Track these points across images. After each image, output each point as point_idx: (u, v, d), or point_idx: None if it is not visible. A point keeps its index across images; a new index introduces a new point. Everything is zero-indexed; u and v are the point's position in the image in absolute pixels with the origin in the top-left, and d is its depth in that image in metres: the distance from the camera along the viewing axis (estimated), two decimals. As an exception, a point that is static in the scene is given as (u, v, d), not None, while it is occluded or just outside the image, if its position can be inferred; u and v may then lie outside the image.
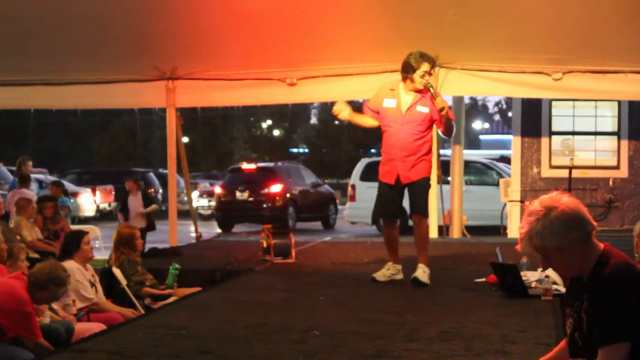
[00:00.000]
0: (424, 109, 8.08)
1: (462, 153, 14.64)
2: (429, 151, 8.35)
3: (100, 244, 15.15)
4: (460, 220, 13.91)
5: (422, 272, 8.05)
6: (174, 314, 6.90)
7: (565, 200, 3.49)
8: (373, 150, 44.27)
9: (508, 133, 41.55)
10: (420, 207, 8.31)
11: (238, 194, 24.33)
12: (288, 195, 24.22)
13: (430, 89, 8.04)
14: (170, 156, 13.62)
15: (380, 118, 8.28)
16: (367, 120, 8.50)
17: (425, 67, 8.03)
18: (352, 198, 22.18)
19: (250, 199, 24.28)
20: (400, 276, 8.29)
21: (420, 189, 8.26)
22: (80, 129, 45.81)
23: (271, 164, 27.74)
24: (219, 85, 13.00)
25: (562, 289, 7.29)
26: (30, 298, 6.32)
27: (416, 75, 8.03)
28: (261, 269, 9.47)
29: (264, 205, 24.01)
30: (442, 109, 7.94)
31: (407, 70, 8.10)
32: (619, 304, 3.32)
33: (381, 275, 8.25)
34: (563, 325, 3.71)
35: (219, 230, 23.47)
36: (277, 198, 24.07)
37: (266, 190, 24.24)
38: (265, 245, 10.09)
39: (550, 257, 3.50)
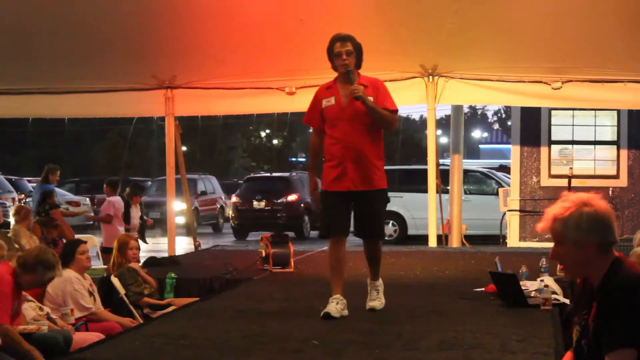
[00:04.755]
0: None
1: (461, 162, 14.64)
2: (381, 156, 7.04)
3: (99, 252, 15.10)
4: (459, 229, 13.91)
5: (377, 299, 7.19)
6: (172, 323, 6.87)
7: (602, 203, 3.53)
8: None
9: (507, 142, 41.62)
10: (374, 232, 7.12)
11: (255, 203, 25.16)
12: (302, 204, 24.69)
13: (350, 74, 6.86)
14: (169, 165, 13.62)
15: (324, 121, 7.04)
16: (316, 151, 7.33)
17: (337, 46, 6.89)
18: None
19: (267, 208, 25.13)
20: (346, 312, 6.86)
21: (371, 207, 6.98)
22: (78, 137, 45.87)
23: (286, 174, 28.38)
24: (218, 94, 13.02)
25: (562, 299, 7.29)
26: (12, 280, 6.42)
27: (335, 59, 6.93)
28: (260, 279, 9.44)
29: (280, 214, 24.89)
30: (357, 98, 6.74)
31: (330, 58, 7.00)
32: (628, 310, 3.34)
33: (334, 310, 6.77)
34: (564, 335, 3.71)
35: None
36: (293, 207, 24.81)
37: (282, 200, 25.11)
38: (264, 254, 10.07)
39: (563, 246, 3.52)
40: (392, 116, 6.98)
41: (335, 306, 6.82)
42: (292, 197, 25.18)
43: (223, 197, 32.03)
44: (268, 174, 29.98)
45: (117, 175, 34.64)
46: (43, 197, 13.94)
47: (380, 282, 7.26)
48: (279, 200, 25.18)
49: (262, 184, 26.75)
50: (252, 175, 31.16)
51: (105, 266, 11.76)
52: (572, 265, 3.58)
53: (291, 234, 22.09)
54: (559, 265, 8.55)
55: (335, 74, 7.02)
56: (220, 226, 30.19)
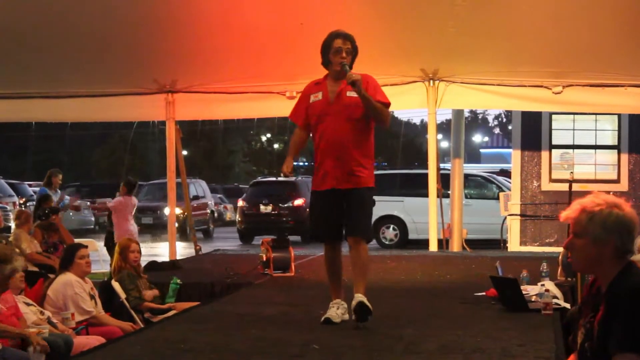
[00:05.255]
0: (355, 94, 6.69)
1: (462, 166, 14.65)
2: (369, 154, 6.84)
3: (100, 257, 15.10)
4: (460, 233, 13.91)
5: (362, 297, 6.55)
6: (173, 327, 6.87)
7: (632, 211, 3.56)
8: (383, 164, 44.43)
9: (508, 146, 41.64)
10: (360, 228, 6.75)
11: (262, 207, 25.54)
12: (308, 209, 24.80)
13: (345, 66, 6.69)
14: (169, 169, 13.63)
15: (310, 118, 6.91)
16: (297, 142, 7.10)
17: (338, 42, 6.78)
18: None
19: (274, 212, 25.51)
20: (347, 316, 6.73)
21: (357, 204, 6.71)
22: (79, 141, 45.85)
23: (292, 179, 28.35)
24: (219, 98, 13.03)
25: (562, 303, 7.28)
26: None
27: (332, 55, 6.81)
28: (260, 283, 9.44)
29: (287, 219, 25.18)
30: (352, 83, 6.57)
31: (325, 53, 6.88)
32: (635, 314, 3.35)
33: (335, 316, 6.69)
34: (565, 340, 3.71)
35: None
36: (300, 211, 24.94)
37: (289, 204, 25.48)
38: (264, 258, 10.07)
39: (581, 239, 3.54)
40: (384, 108, 6.80)
41: (336, 311, 6.74)
42: (298, 202, 25.43)
43: (213, 202, 31.91)
44: (274, 178, 30.10)
45: (117, 178, 34.63)
46: (39, 202, 14.00)
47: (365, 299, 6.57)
48: (285, 205, 25.50)
49: (268, 188, 26.98)
50: (258, 179, 31.29)
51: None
52: (584, 260, 3.59)
53: (297, 238, 22.24)
54: (559, 269, 8.56)
55: (325, 72, 6.94)
56: (211, 231, 29.79)
